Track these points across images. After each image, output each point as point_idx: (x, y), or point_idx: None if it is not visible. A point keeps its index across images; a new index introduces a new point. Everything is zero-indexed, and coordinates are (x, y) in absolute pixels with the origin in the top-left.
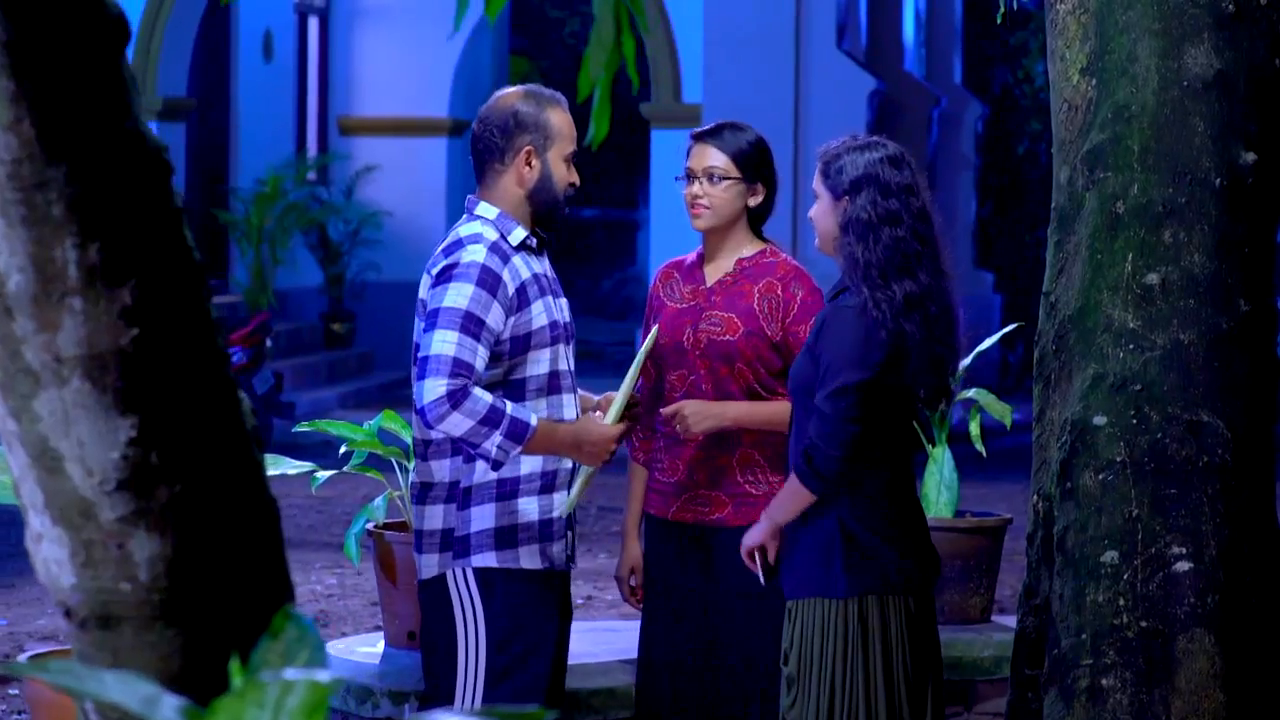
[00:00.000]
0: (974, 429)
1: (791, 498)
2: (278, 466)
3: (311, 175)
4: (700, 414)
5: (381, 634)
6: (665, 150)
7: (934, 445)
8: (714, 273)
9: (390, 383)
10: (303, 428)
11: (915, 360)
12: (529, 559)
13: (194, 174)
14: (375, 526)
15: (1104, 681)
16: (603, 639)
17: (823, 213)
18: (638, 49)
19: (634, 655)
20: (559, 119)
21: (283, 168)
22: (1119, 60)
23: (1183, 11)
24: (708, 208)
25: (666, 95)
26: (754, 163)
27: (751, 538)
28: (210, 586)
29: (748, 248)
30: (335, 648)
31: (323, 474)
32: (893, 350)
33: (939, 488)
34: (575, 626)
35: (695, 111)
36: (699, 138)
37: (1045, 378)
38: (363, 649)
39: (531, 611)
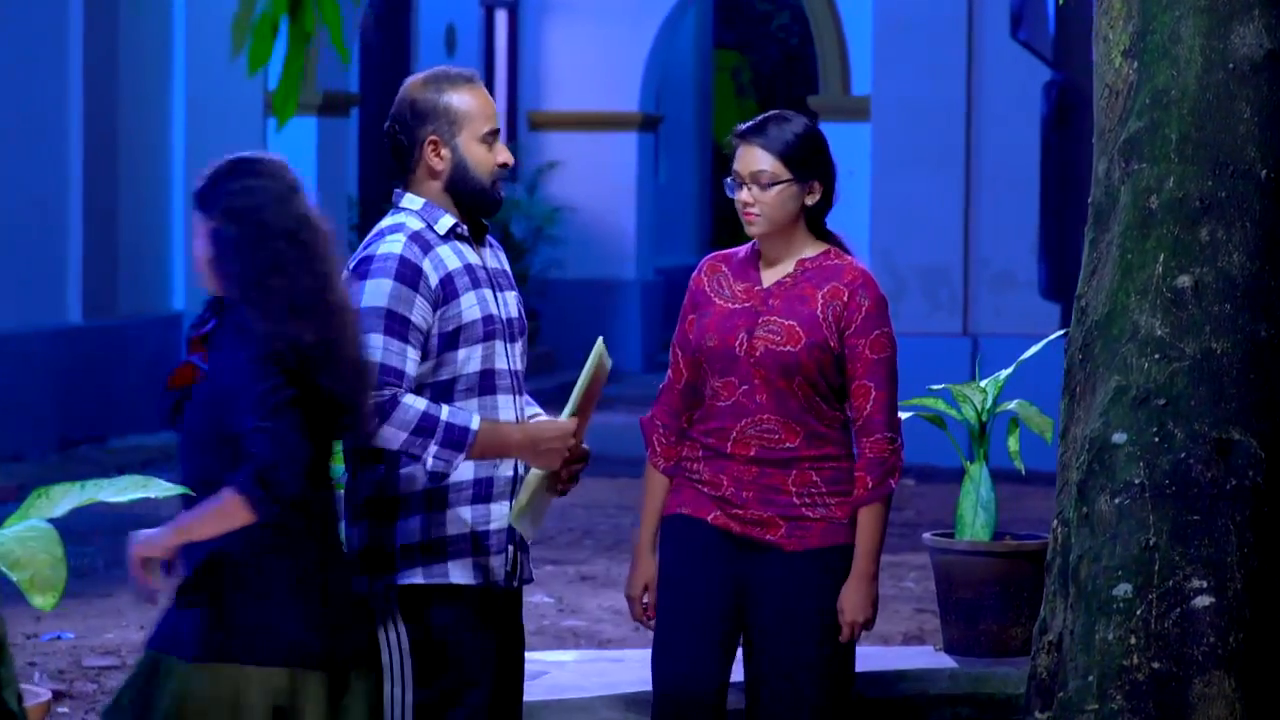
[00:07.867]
0: (1013, 445)
1: (219, 516)
2: (148, 489)
3: None
4: (855, 604)
5: None
6: (834, 144)
7: (971, 462)
8: (772, 274)
9: (569, 383)
10: None
11: None
12: (460, 574)
13: (369, 169)
14: None
15: None
16: (595, 671)
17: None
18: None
19: (626, 691)
20: (462, 99)
21: None
22: (1161, 41)
23: None
24: (759, 215)
25: (835, 87)
26: (805, 159)
27: (153, 540)
28: None
29: (809, 248)
30: None
31: None
32: None
33: (975, 509)
34: (567, 656)
35: (864, 104)
36: (743, 137)
37: (1071, 390)
38: None
39: (464, 634)
